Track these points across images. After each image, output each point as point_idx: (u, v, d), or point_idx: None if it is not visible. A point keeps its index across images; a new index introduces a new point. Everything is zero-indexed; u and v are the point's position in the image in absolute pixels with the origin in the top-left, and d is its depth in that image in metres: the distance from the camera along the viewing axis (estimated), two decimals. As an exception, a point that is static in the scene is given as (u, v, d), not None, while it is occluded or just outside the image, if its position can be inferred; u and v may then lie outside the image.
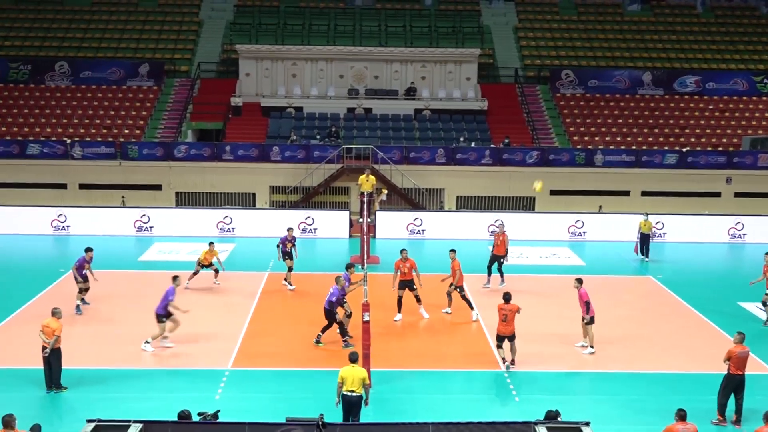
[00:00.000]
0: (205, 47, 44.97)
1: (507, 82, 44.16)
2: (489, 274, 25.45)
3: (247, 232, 32.58)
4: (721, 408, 16.08)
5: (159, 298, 19.39)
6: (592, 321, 19.45)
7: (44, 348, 16.86)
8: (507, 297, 18.72)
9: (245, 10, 46.88)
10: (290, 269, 25.32)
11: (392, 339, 20.75)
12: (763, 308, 22.35)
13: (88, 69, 42.06)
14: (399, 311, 22.05)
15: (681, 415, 13.22)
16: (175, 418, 12.72)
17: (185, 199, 36.73)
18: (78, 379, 17.40)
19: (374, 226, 32.21)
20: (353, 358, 14.95)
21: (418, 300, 22.22)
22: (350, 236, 32.65)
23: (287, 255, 25.22)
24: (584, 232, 33.23)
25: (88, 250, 22.79)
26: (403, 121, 40.71)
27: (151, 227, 32.71)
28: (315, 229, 32.91)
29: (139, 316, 21.73)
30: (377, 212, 32.76)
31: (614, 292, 25.33)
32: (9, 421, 12.31)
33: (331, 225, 32.96)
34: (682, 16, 48.66)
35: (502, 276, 25.28)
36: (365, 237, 25.61)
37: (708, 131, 40.68)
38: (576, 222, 33.30)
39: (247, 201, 36.82)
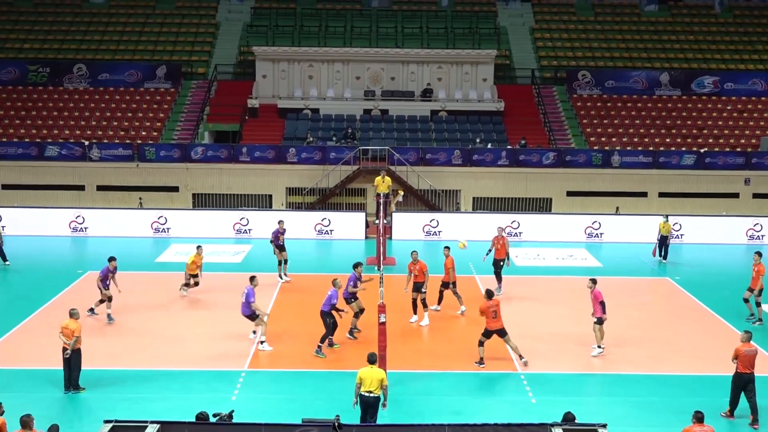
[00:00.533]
0: (222, 49, 45.14)
1: (523, 83, 44.05)
2: (499, 279, 24.91)
3: (263, 233, 32.51)
4: (733, 404, 16.23)
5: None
6: (600, 321, 19.30)
7: (65, 349, 16.97)
8: (490, 293, 18.73)
9: (262, 12, 47.01)
10: (285, 261, 25.35)
11: (408, 340, 20.75)
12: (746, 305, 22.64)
13: (106, 71, 42.30)
14: (415, 313, 22.02)
15: (698, 417, 13.20)
16: (192, 419, 12.81)
17: (202, 201, 36.90)
18: (96, 380, 17.51)
19: (390, 227, 32.21)
20: (372, 359, 14.98)
21: (424, 305, 21.89)
22: (366, 237, 32.71)
23: (280, 248, 25.25)
24: (601, 234, 33.08)
25: (111, 259, 22.19)
26: (420, 123, 40.69)
27: (168, 228, 32.87)
28: (331, 231, 32.97)
29: (155, 317, 21.85)
30: (393, 213, 32.79)
31: (631, 294, 25.21)
32: (27, 422, 12.41)
33: (347, 226, 32.99)
34: (699, 16, 48.34)
35: (499, 281, 24.77)
36: (381, 238, 25.60)
37: (726, 132, 40.41)
38: (593, 223, 33.17)
39: (263, 202, 36.93)
